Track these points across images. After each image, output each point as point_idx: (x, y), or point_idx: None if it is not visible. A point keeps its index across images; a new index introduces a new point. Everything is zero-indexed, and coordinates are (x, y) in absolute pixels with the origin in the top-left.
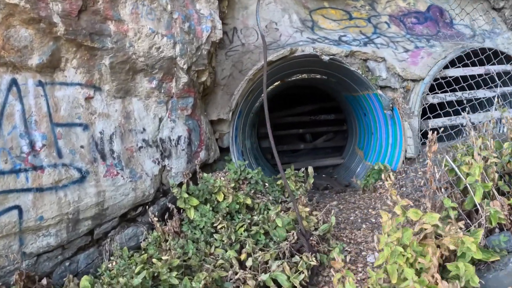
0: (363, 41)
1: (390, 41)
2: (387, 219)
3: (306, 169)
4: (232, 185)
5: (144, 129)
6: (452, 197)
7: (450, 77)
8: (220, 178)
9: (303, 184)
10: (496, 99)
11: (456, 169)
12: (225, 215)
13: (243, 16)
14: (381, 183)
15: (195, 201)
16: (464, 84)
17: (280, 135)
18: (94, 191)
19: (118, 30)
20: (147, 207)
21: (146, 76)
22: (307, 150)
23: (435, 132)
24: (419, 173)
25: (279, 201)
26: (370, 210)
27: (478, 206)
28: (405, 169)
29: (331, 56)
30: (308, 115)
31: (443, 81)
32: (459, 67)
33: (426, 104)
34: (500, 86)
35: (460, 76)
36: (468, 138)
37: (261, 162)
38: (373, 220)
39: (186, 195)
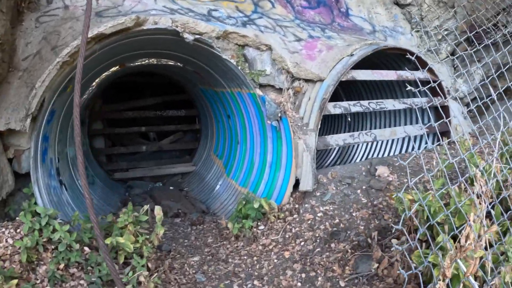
0: (241, 20)
1: (277, 25)
2: None
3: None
4: (21, 270)
5: None
6: None
7: (358, 80)
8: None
9: (148, 239)
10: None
11: None
12: None
13: None
14: (262, 227)
15: None
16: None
17: (118, 133)
18: None
19: None
20: None
21: None
22: (150, 153)
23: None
24: (318, 214)
25: (110, 278)
26: (256, 282)
27: None
28: (296, 206)
29: (198, 36)
30: (153, 109)
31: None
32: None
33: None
34: (409, 97)
35: (370, 80)
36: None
37: (91, 173)
38: None
39: None
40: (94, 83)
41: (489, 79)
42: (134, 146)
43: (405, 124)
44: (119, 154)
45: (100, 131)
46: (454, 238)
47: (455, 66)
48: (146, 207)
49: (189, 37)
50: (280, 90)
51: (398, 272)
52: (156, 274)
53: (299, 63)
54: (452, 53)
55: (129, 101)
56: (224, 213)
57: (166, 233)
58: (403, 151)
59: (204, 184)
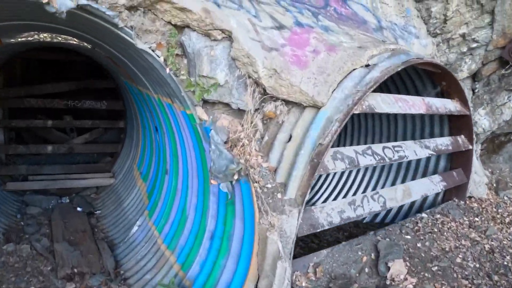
0: None
1: None
2: None
3: None
4: None
5: None
6: None
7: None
8: None
9: None
10: None
11: None
12: None
13: None
14: None
15: None
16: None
17: (19, 127)
18: None
19: None
20: None
21: None
22: (60, 154)
23: None
24: None
25: None
26: None
27: None
28: None
29: (83, 2)
30: (66, 98)
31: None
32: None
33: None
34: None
35: (391, 113)
36: None
37: None
38: None
39: None
40: None
41: None
42: (37, 145)
43: (416, 175)
44: (18, 155)
45: None
46: None
47: (476, 90)
48: None
49: (59, 4)
50: (239, 112)
51: None
52: None
53: (279, 71)
54: (475, 74)
55: (33, 85)
56: (139, 283)
57: None
58: (405, 207)
59: (121, 212)
